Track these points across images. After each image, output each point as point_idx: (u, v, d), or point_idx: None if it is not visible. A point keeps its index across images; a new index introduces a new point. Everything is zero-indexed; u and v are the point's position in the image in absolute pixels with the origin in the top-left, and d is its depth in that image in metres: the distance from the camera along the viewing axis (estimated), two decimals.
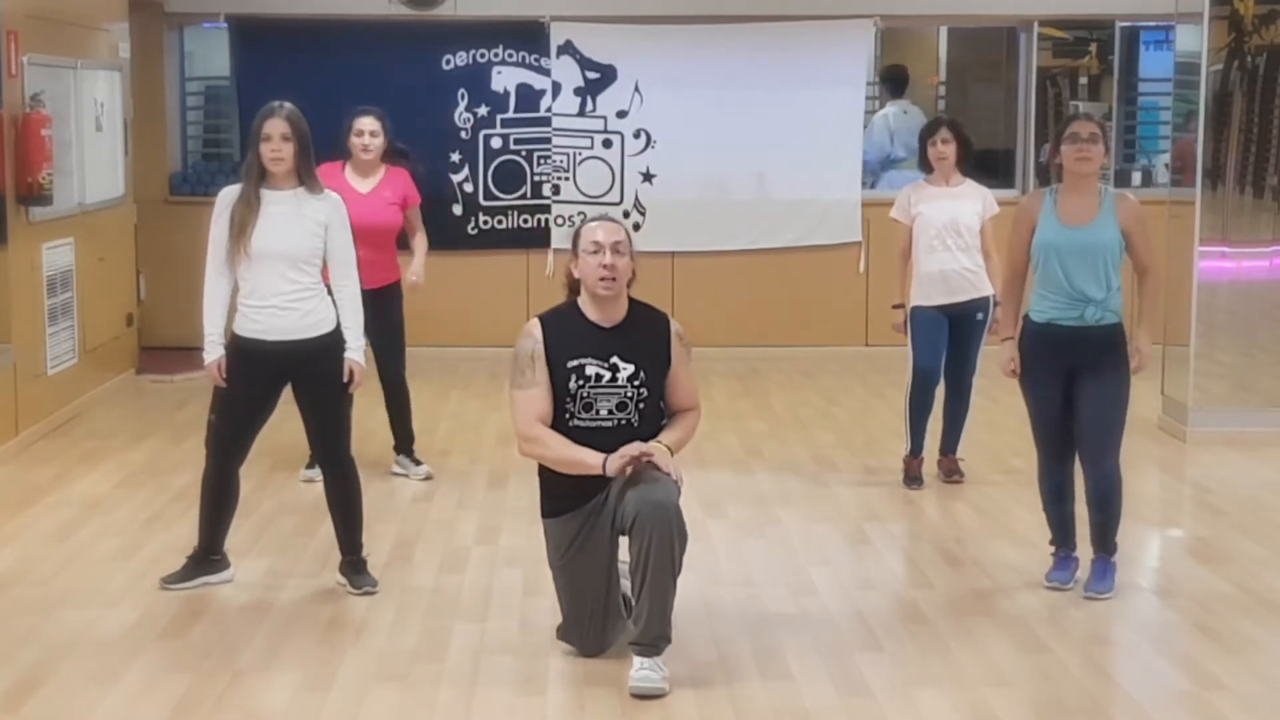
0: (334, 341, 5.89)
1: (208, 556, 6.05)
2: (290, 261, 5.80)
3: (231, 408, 5.94)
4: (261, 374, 5.88)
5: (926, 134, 7.61)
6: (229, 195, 5.86)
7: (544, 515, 5.32)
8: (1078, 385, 5.93)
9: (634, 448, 5.05)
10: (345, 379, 5.91)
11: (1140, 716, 4.85)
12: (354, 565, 6.02)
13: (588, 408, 5.14)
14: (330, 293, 5.94)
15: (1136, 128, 12.96)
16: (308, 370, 5.88)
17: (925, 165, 7.63)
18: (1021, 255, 6.06)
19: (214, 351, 5.89)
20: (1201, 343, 8.80)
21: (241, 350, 5.87)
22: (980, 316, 7.49)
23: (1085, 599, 5.90)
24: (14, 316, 8.46)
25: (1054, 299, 5.94)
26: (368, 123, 7.54)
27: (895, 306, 7.73)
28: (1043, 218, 5.99)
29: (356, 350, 5.93)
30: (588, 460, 5.09)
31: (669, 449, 5.15)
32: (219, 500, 6.04)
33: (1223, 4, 8.66)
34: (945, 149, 7.48)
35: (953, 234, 7.41)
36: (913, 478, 7.65)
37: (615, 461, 5.05)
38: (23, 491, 7.54)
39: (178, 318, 11.43)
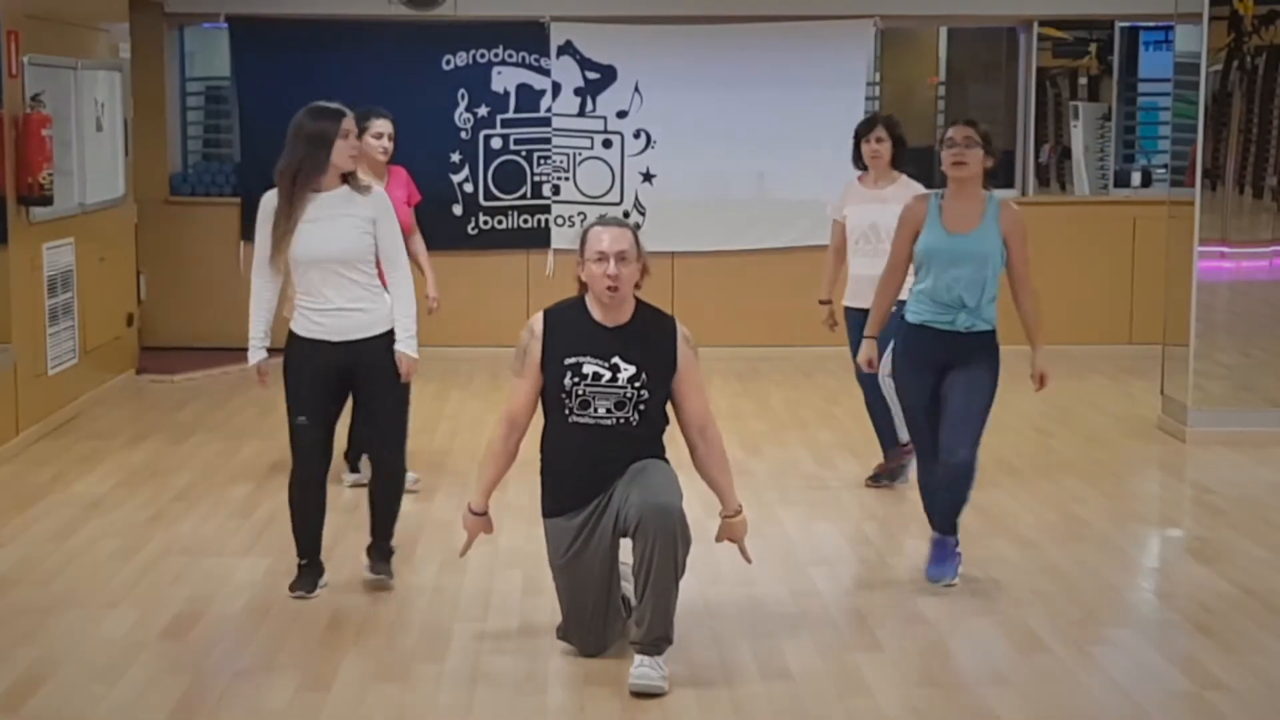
0: (394, 339, 5.92)
1: (315, 560, 6.02)
2: (346, 263, 5.79)
3: (312, 409, 5.90)
4: (331, 372, 5.87)
5: (862, 131, 7.54)
6: (272, 200, 5.82)
7: (544, 515, 5.33)
8: (947, 380, 6.03)
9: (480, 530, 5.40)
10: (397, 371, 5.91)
11: (1140, 716, 4.86)
12: (382, 551, 6.04)
13: (585, 405, 5.15)
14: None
15: (1136, 128, 12.97)
16: (369, 368, 5.88)
17: (859, 162, 7.58)
18: (901, 257, 6.12)
19: (257, 354, 5.89)
20: (1201, 343, 8.81)
21: (307, 351, 5.84)
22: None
23: (930, 583, 6.00)
24: (14, 316, 8.47)
25: (929, 303, 6.02)
26: (384, 125, 7.42)
27: (822, 302, 7.74)
28: (927, 223, 6.02)
29: (406, 342, 5.90)
30: (477, 487, 5.39)
31: (740, 510, 5.34)
32: (313, 505, 6.00)
33: (1222, 4, 8.67)
34: (880, 147, 7.43)
35: (873, 238, 7.36)
36: (893, 471, 7.65)
37: (465, 523, 5.40)
38: (23, 491, 7.54)
39: (178, 318, 11.49)
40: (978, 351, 6.01)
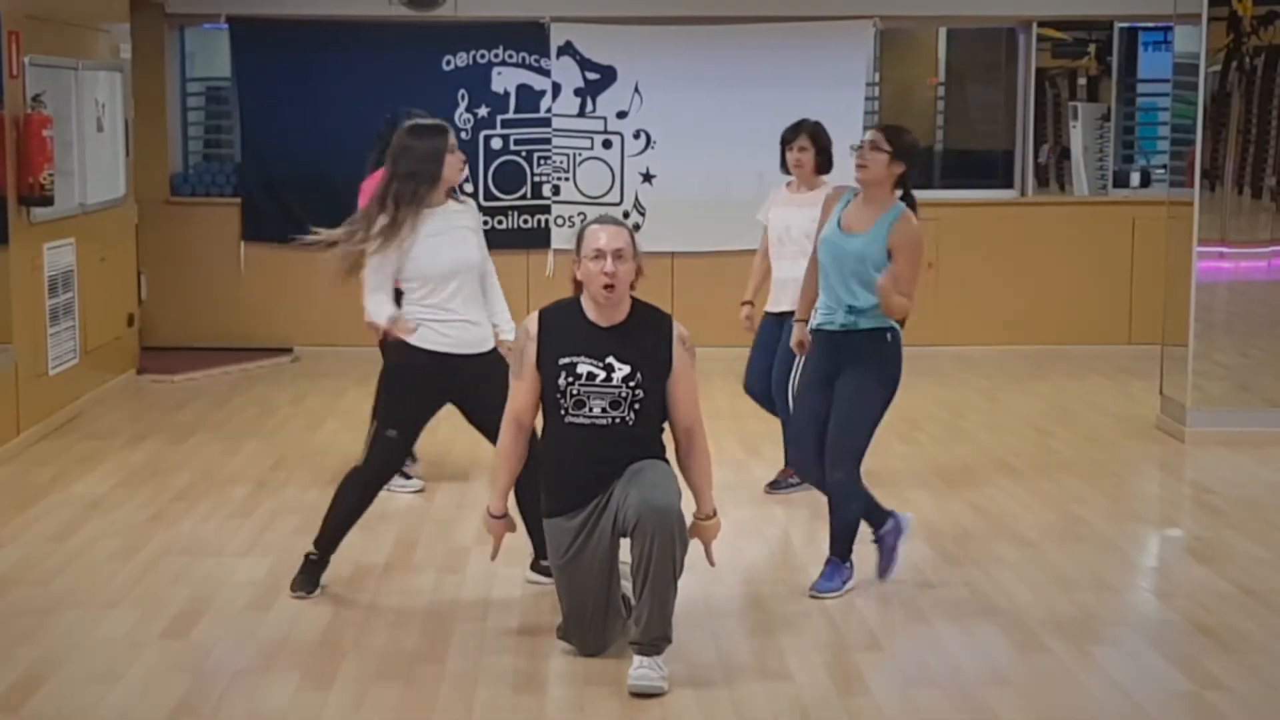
0: (499, 353, 5.97)
1: (326, 559, 6.01)
2: (475, 272, 5.91)
3: (412, 423, 5.92)
4: (443, 387, 5.89)
5: (786, 139, 7.52)
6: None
7: (544, 515, 5.34)
8: (834, 391, 5.98)
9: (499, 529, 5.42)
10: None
11: (1139, 716, 4.87)
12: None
13: (579, 405, 5.15)
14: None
15: (1135, 128, 12.98)
16: (490, 385, 5.84)
17: (785, 168, 7.56)
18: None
19: (388, 310, 5.85)
20: (1200, 343, 8.82)
21: (427, 364, 5.81)
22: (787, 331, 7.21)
23: (809, 596, 5.94)
24: (15, 317, 8.48)
25: (821, 302, 6.04)
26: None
27: (743, 303, 7.73)
28: (831, 216, 6.05)
29: (510, 330, 6.01)
30: (493, 492, 5.39)
31: (714, 514, 5.29)
32: (362, 508, 5.98)
33: (1221, 5, 8.67)
34: (802, 156, 7.41)
35: (787, 240, 7.39)
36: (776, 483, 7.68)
37: (489, 528, 5.41)
38: (24, 491, 7.55)
39: (179, 318, 11.49)
40: (862, 357, 5.90)
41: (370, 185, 7.33)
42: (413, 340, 5.84)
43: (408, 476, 7.64)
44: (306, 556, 5.99)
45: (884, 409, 6.00)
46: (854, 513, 6.01)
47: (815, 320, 6.06)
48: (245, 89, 11.54)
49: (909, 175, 5.98)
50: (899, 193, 5.97)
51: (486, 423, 5.98)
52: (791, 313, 7.14)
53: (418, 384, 5.86)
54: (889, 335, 5.93)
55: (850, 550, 6.04)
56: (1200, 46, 8.76)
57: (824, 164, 7.45)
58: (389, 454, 5.93)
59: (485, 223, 11.49)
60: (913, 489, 7.71)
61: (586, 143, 11.57)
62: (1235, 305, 8.95)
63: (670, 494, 5.03)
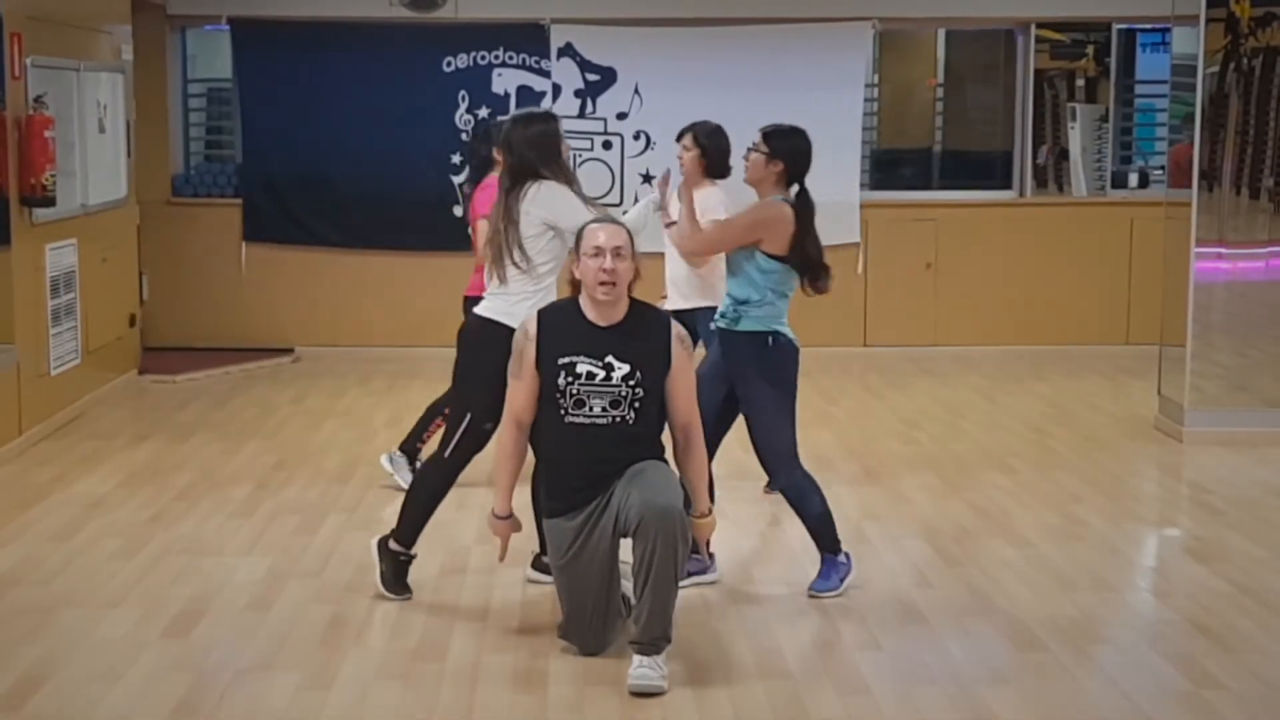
0: None
1: (410, 555, 5.98)
2: None
3: (500, 409, 5.82)
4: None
5: (678, 136, 7.64)
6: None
7: (545, 516, 5.36)
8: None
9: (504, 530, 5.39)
10: None
11: (1138, 715, 4.88)
12: None
13: (579, 404, 5.17)
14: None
15: (1133, 129, 12.99)
16: None
17: None
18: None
19: None
20: (1198, 343, 8.83)
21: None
22: (701, 329, 7.22)
23: (808, 596, 5.97)
24: (17, 317, 8.50)
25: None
26: None
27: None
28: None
29: None
30: (497, 493, 5.38)
31: (709, 512, 5.35)
32: (442, 497, 5.99)
33: (1219, 6, 8.69)
34: (685, 155, 7.54)
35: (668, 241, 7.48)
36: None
37: (494, 529, 5.41)
38: (25, 491, 7.56)
39: (180, 318, 11.50)
40: (745, 364, 6.00)
41: (482, 196, 7.38)
42: (508, 320, 5.75)
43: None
44: (396, 556, 5.93)
45: (788, 406, 6.08)
46: (817, 506, 6.06)
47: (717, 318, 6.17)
48: (246, 90, 11.55)
49: (798, 174, 6.02)
50: (794, 190, 6.00)
51: None
52: (678, 310, 7.27)
53: (501, 364, 5.66)
54: (770, 340, 5.99)
55: (837, 542, 6.06)
56: (1198, 48, 8.78)
57: (710, 166, 7.47)
58: (479, 443, 5.90)
59: None
60: (912, 488, 7.73)
61: (586, 144, 11.58)
62: (1233, 305, 8.96)
63: (672, 495, 5.04)
